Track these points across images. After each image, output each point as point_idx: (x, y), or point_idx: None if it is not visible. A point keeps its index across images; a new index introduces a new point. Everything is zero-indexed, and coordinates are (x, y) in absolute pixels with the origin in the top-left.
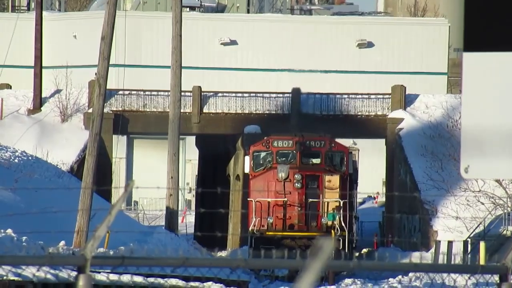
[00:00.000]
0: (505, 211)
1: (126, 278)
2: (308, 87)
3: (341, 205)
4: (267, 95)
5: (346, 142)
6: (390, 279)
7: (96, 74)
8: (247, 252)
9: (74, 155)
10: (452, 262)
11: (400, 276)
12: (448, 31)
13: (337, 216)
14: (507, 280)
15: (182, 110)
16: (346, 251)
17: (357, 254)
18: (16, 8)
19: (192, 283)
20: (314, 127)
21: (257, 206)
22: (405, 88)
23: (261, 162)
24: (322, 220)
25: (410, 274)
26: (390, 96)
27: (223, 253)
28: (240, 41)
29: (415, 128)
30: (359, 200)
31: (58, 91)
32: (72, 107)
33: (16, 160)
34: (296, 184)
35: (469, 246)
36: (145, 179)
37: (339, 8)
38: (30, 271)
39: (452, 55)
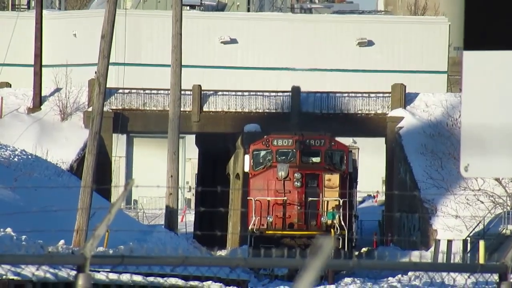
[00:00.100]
0: (505, 210)
1: (125, 277)
2: (308, 86)
3: (341, 204)
4: (267, 93)
5: (346, 140)
6: (389, 278)
7: (96, 72)
8: (247, 251)
9: (74, 153)
10: (452, 261)
11: (399, 275)
12: (448, 30)
13: (337, 215)
14: (506, 279)
15: (182, 109)
16: (346, 250)
17: (356, 253)
18: (16, 6)
19: (191, 282)
20: (314, 125)
21: (256, 205)
22: (405, 86)
23: (261, 161)
24: (322, 219)
25: (410, 273)
26: (390, 94)
27: (222, 252)
28: (240, 40)
29: (415, 126)
30: (358, 199)
31: (58, 90)
32: (72, 105)
33: (15, 159)
34: (296, 183)
35: (469, 245)
36: (144, 178)
37: (339, 7)
38: (29, 270)
39: (452, 53)
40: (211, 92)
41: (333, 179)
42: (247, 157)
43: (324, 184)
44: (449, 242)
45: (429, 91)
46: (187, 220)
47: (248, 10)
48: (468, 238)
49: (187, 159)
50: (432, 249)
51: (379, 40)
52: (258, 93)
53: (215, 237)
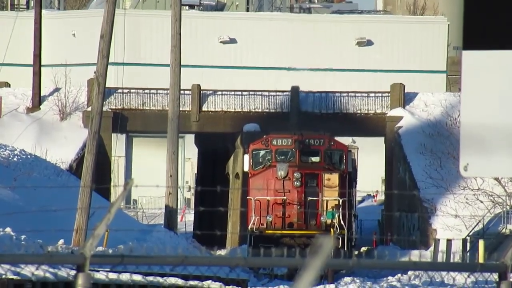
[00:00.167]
0: (504, 209)
1: (125, 276)
2: (307, 86)
3: (340, 203)
4: (266, 93)
5: (345, 140)
6: (389, 278)
7: (95, 72)
8: (246, 250)
9: (73, 153)
10: (451, 260)
11: (399, 275)
12: (447, 29)
13: (336, 215)
14: (506, 278)
15: (181, 109)
16: (345, 249)
17: (356, 252)
18: (15, 6)
19: (191, 282)
20: (313, 125)
21: (256, 204)
22: (404, 86)
23: (260, 161)
24: (321, 218)
25: (409, 273)
26: (389, 94)
27: (222, 252)
28: (240, 40)
29: (414, 126)
30: (358, 198)
31: (57, 90)
32: (71, 105)
33: (15, 159)
34: (296, 182)
35: (468, 244)
36: (144, 178)
37: (338, 7)
38: (29, 270)
39: (451, 53)
40: (210, 91)
41: (332, 179)
42: (246, 156)
43: (324, 184)
44: (449, 241)
45: (428, 91)
46: (186, 219)
47: (247, 10)
48: (468, 238)
49: (186, 159)
50: (431, 248)
51: (378, 40)
52: (258, 93)
53: (215, 236)
